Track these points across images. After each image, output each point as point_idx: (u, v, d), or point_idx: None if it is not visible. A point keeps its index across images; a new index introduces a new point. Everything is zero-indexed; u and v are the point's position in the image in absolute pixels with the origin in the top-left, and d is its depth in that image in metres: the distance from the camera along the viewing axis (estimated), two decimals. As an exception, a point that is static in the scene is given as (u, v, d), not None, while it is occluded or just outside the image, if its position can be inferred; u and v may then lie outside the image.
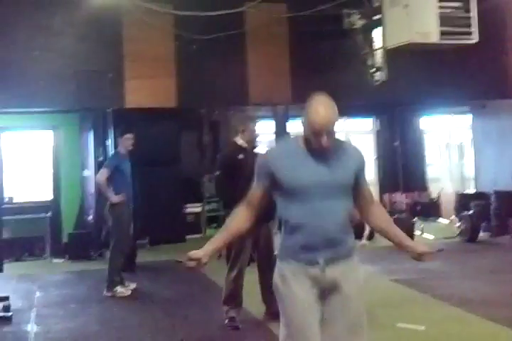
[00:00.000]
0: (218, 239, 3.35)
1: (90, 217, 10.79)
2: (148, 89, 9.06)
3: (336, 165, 3.27)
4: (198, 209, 12.08)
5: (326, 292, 3.26)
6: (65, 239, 10.58)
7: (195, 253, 3.25)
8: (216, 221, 11.63)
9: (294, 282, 3.25)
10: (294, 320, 3.23)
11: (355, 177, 3.32)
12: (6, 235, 9.87)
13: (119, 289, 7.43)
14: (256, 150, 5.96)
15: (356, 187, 3.35)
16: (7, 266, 9.97)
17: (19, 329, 6.25)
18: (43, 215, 10.61)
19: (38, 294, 7.87)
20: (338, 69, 9.32)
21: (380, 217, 3.46)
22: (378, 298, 6.36)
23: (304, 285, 3.24)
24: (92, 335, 6.03)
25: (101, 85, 8.80)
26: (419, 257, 3.40)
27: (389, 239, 3.47)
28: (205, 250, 3.27)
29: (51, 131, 11.33)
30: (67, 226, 10.91)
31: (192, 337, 5.79)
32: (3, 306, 6.73)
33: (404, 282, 7.53)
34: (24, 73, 8.65)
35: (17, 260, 10.33)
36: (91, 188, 10.56)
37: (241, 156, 5.91)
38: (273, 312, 5.41)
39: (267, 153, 3.45)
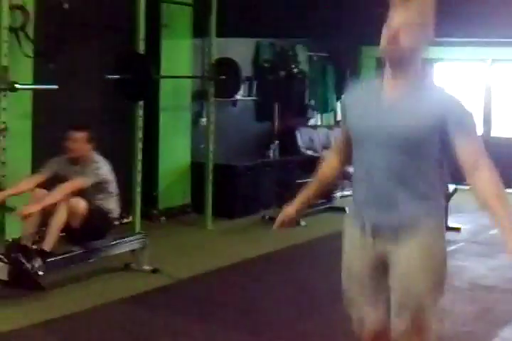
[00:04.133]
0: (306, 189, 3.01)
1: None
2: None
3: (409, 112, 2.60)
4: None
5: (383, 261, 2.70)
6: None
7: (284, 211, 3.00)
8: None
9: (351, 244, 2.80)
10: (345, 284, 2.84)
11: (435, 128, 2.56)
12: None
13: None
14: None
15: (450, 146, 2.58)
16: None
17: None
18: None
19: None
20: None
21: (481, 186, 2.55)
22: None
23: (360, 250, 2.75)
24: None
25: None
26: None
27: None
28: (294, 205, 3.00)
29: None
30: None
31: None
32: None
33: None
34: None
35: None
36: None
37: None
38: None
39: (345, 93, 2.93)
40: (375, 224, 2.67)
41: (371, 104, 2.69)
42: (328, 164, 2.98)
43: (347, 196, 9.33)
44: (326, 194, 8.60)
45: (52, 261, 4.93)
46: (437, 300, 2.71)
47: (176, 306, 4.88)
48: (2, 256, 4.73)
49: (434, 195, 2.69)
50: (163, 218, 7.65)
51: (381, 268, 2.73)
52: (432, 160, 2.65)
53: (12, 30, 5.71)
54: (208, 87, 7.29)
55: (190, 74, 7.76)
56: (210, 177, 7.28)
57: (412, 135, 2.58)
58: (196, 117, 8.10)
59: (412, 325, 2.66)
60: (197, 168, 7.65)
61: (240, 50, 8.70)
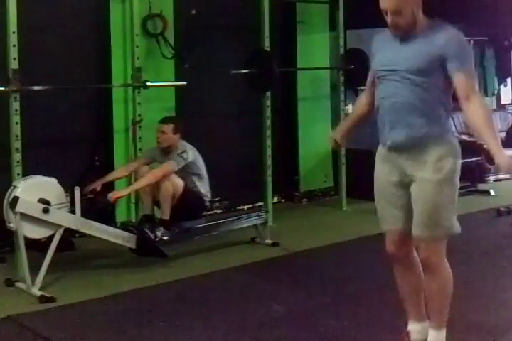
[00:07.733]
0: (345, 121, 3.90)
1: None
2: None
3: (413, 49, 3.24)
4: None
5: (402, 174, 3.36)
6: None
7: (330, 138, 3.81)
8: None
9: (378, 161, 3.49)
10: (375, 197, 3.54)
11: (436, 63, 3.19)
12: None
13: None
14: None
15: (447, 76, 3.20)
16: None
17: None
18: None
19: None
20: None
21: (472, 117, 3.18)
22: None
23: (384, 166, 3.44)
24: None
25: None
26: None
27: None
28: (337, 132, 3.80)
29: None
30: None
31: None
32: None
33: None
34: None
35: None
36: None
37: None
38: None
39: (373, 39, 3.55)
40: (394, 140, 3.32)
41: (388, 47, 3.36)
42: (361, 101, 3.67)
43: (500, 180, 9.40)
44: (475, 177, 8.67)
45: (176, 233, 5.76)
46: (451, 209, 3.33)
47: (281, 274, 5.47)
48: (132, 228, 5.62)
49: (438, 119, 3.28)
50: (305, 200, 8.28)
51: (402, 180, 3.36)
52: (436, 89, 3.24)
53: (153, 35, 6.63)
54: (337, 76, 7.80)
55: (328, 66, 8.25)
56: (343, 161, 7.78)
57: (415, 70, 3.21)
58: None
59: (430, 229, 3.29)
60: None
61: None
